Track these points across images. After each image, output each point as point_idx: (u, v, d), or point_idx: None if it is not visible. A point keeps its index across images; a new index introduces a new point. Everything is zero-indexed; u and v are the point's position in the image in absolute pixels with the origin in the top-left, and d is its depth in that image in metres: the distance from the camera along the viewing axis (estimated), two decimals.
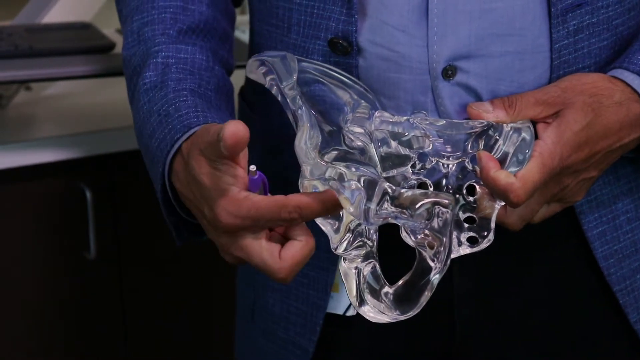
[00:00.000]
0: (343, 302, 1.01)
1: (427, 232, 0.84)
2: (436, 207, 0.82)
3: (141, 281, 1.74)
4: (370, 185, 0.82)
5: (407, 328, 0.96)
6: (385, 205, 0.82)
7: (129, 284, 1.72)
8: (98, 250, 1.66)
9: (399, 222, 0.84)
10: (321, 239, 0.99)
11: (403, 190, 0.83)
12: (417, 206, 0.82)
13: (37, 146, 1.59)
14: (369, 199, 0.82)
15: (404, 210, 0.82)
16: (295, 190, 1.00)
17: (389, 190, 0.82)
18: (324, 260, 1.01)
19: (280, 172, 1.01)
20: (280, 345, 1.07)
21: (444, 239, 0.83)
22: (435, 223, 0.83)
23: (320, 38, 0.94)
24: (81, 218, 1.64)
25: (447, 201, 0.83)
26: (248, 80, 1.09)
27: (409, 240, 0.87)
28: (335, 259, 1.00)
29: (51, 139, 1.61)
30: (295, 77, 0.88)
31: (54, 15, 1.79)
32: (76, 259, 1.67)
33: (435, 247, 0.83)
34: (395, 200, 0.82)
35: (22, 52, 1.59)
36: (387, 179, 0.89)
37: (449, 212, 0.83)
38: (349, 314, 1.01)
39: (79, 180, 1.64)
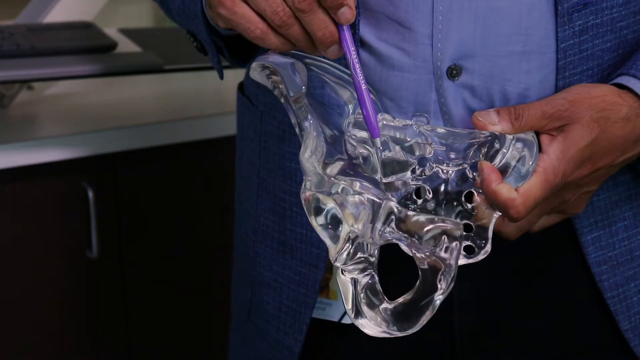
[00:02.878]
0: (339, 309, 1.01)
1: (433, 255, 0.83)
2: (443, 236, 0.81)
3: (143, 280, 1.74)
4: (374, 205, 0.81)
5: (406, 337, 0.96)
6: (392, 225, 0.81)
7: (131, 283, 1.73)
8: (100, 249, 1.66)
9: (403, 244, 0.83)
10: (313, 234, 0.99)
11: (410, 213, 0.81)
12: (424, 232, 0.81)
13: (39, 145, 1.60)
14: (374, 218, 0.81)
15: (413, 239, 0.81)
16: (295, 181, 1.00)
17: (395, 209, 0.82)
18: (313, 257, 1.01)
19: (282, 163, 1.02)
20: (271, 345, 1.07)
21: (451, 265, 0.82)
22: (442, 250, 0.82)
23: None
24: (83, 217, 1.65)
25: (456, 233, 0.81)
26: (248, 75, 1.09)
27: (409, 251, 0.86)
28: (324, 256, 1.00)
29: (53, 139, 1.61)
30: (304, 88, 0.86)
31: (55, 15, 1.79)
32: (78, 258, 1.67)
33: (440, 271, 0.82)
34: (402, 222, 0.81)
35: (24, 52, 1.59)
36: (387, 184, 0.89)
37: (457, 243, 0.81)
38: (344, 321, 1.01)
39: (81, 180, 1.64)
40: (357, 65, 0.86)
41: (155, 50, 1.71)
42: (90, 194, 1.63)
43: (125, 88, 1.84)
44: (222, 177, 1.75)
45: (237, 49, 1.01)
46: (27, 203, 1.62)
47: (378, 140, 0.87)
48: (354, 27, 0.91)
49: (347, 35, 0.85)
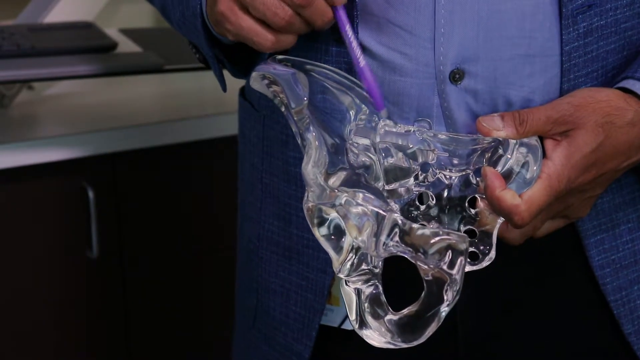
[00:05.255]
0: (340, 314, 1.01)
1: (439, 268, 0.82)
2: (448, 250, 0.81)
3: (143, 280, 1.74)
4: (378, 218, 0.81)
5: None
6: (396, 238, 0.81)
7: (132, 283, 1.73)
8: (100, 249, 1.66)
9: (407, 257, 0.83)
10: None
11: (415, 226, 0.81)
12: (429, 246, 0.81)
13: (40, 145, 1.60)
14: (379, 231, 0.81)
15: (418, 254, 0.81)
16: (300, 186, 1.00)
17: (399, 221, 0.81)
18: (321, 262, 1.00)
19: (286, 168, 1.01)
20: (279, 352, 1.06)
21: (456, 279, 0.82)
22: (447, 263, 0.82)
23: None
24: (84, 217, 1.65)
25: (461, 247, 0.81)
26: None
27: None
28: None
29: (53, 138, 1.61)
30: (306, 99, 0.86)
31: (56, 15, 1.79)
32: (79, 258, 1.67)
33: (446, 283, 0.82)
34: (406, 235, 0.81)
35: (25, 52, 1.59)
36: (390, 191, 0.89)
37: (463, 258, 0.81)
38: (344, 326, 1.00)
39: (81, 180, 1.64)
40: (354, 43, 0.88)
41: (155, 50, 1.71)
42: (90, 194, 1.63)
43: (125, 88, 1.84)
44: (222, 177, 1.75)
45: (239, 59, 1.01)
46: (27, 203, 1.62)
47: (385, 112, 0.89)
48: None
49: (342, 14, 0.88)
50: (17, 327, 1.65)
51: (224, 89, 1.01)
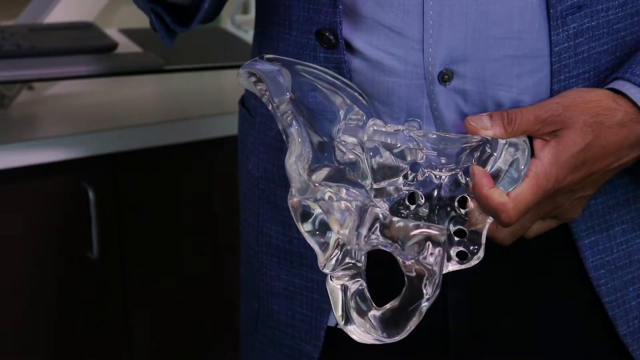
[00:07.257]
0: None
1: (417, 261, 0.83)
2: (427, 242, 0.82)
3: (144, 281, 1.74)
4: (361, 211, 0.82)
5: (402, 342, 0.96)
6: (377, 232, 0.82)
7: (132, 284, 1.73)
8: (101, 250, 1.66)
9: (388, 250, 0.84)
10: None
11: (395, 219, 0.82)
12: (408, 238, 0.81)
13: (40, 146, 1.60)
14: (360, 224, 0.81)
15: (396, 244, 0.82)
16: None
17: (380, 216, 0.82)
18: None
19: (282, 173, 1.02)
20: (287, 354, 1.06)
21: (435, 271, 0.82)
22: (427, 256, 0.82)
23: (312, 32, 0.94)
24: (84, 217, 1.65)
25: (440, 239, 0.82)
26: None
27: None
28: None
29: (54, 139, 1.61)
30: (288, 94, 0.87)
31: (56, 15, 1.79)
32: (79, 259, 1.67)
33: (425, 277, 0.82)
34: (386, 229, 0.82)
35: (25, 52, 1.59)
36: (379, 190, 0.89)
37: (441, 249, 0.82)
38: (340, 326, 1.01)
39: (81, 180, 1.64)
40: None
41: (155, 50, 1.71)
42: (90, 194, 1.64)
43: (125, 88, 1.84)
44: (222, 177, 1.75)
45: (179, 15, 0.99)
46: (27, 203, 1.62)
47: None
48: (335, 35, 0.92)
49: None
50: (17, 327, 1.66)
51: (167, 45, 0.99)
